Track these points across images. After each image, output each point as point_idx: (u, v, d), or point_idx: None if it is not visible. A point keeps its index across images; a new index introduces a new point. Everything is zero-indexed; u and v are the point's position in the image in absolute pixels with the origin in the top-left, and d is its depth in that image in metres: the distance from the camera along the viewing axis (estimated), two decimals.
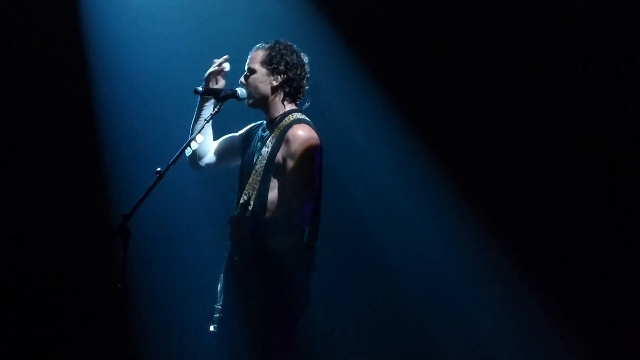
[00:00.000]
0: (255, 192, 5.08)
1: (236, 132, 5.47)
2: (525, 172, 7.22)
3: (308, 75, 5.28)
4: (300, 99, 5.26)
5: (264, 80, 5.21)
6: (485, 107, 7.28)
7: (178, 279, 7.39)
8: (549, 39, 7.19)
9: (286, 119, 5.15)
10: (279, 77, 5.20)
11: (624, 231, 7.06)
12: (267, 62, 5.21)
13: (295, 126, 5.09)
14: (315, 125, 5.16)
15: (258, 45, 5.29)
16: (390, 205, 7.49)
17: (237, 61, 5.43)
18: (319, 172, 5.06)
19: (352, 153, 7.43)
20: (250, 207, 5.07)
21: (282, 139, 5.08)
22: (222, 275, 5.21)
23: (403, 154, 7.43)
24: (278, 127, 5.14)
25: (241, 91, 5.35)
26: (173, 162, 5.12)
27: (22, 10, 7.43)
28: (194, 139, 5.19)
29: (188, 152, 5.19)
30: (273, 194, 5.05)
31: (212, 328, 5.18)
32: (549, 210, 7.19)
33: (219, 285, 5.22)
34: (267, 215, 5.03)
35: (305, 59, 5.28)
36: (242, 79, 5.28)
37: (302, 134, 5.05)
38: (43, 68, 7.48)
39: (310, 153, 5.03)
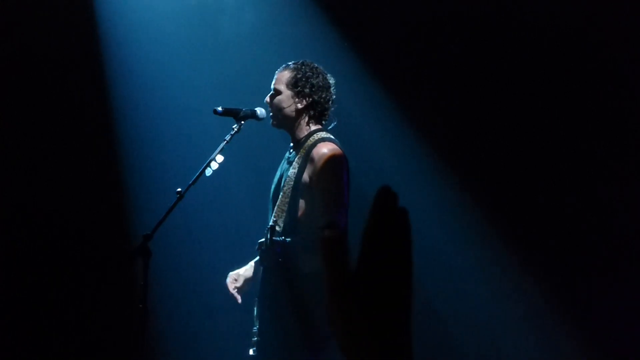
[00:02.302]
0: (284, 213, 5.05)
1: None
2: (546, 181, 7.19)
3: (334, 97, 5.25)
4: (325, 120, 5.24)
5: (289, 103, 5.16)
6: (512, 120, 7.26)
7: (199, 299, 7.36)
8: (554, 38, 7.17)
9: (311, 138, 5.10)
10: (304, 100, 5.14)
11: None
12: (293, 85, 5.15)
13: (319, 144, 5.04)
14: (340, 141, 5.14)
15: (284, 66, 5.26)
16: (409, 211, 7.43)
17: (263, 79, 5.41)
18: (345, 188, 4.99)
19: (373, 166, 7.40)
20: (279, 229, 5.04)
21: (307, 158, 5.04)
22: (257, 297, 5.17)
23: (422, 164, 7.41)
24: (303, 147, 5.09)
25: (260, 111, 5.33)
26: (193, 183, 5.12)
27: (36, 35, 7.47)
28: (214, 159, 5.17)
29: (208, 172, 5.17)
30: (301, 213, 5.01)
31: (251, 352, 5.13)
32: (569, 216, 7.15)
33: (255, 309, 5.18)
34: (296, 235, 4.99)
35: (332, 81, 5.24)
36: (267, 99, 5.25)
37: (327, 151, 4.99)
38: (63, 87, 7.51)
39: (336, 169, 4.97)
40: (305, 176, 5.02)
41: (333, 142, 5.07)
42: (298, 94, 5.15)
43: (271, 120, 5.25)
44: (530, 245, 7.14)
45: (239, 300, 5.27)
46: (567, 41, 7.11)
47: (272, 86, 5.23)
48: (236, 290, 5.28)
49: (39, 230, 7.43)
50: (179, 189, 5.08)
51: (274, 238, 4.95)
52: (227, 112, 5.31)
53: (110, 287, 7.31)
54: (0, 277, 7.32)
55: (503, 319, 7.19)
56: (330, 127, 5.24)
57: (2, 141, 7.40)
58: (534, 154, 7.17)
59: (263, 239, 5.02)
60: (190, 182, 5.12)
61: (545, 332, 7.11)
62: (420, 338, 7.25)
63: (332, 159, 4.98)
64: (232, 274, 5.35)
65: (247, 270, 5.31)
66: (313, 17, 7.37)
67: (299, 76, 5.16)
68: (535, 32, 7.16)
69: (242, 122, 5.29)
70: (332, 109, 5.23)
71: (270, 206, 5.18)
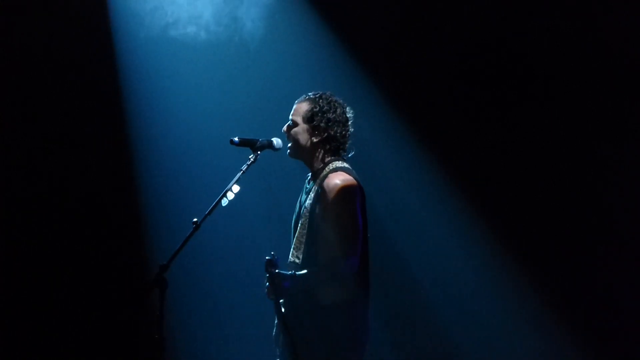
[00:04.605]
0: (302, 245, 5.04)
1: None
2: (546, 181, 7.21)
3: (351, 130, 5.23)
4: (343, 152, 5.21)
5: (305, 136, 5.17)
6: (513, 122, 7.29)
7: (215, 329, 7.36)
8: (553, 38, 7.21)
9: (326, 168, 5.10)
10: (320, 134, 5.15)
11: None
12: (309, 119, 5.16)
13: (330, 175, 5.03)
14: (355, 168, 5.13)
15: (302, 98, 5.26)
16: (409, 214, 7.46)
17: (281, 109, 5.41)
18: (358, 218, 4.96)
19: (373, 169, 7.41)
20: (298, 261, 5.03)
21: (320, 189, 5.04)
22: (275, 328, 5.16)
23: (422, 165, 7.43)
24: (320, 177, 5.11)
25: (277, 141, 5.32)
26: (210, 213, 5.11)
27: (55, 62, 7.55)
28: (230, 189, 5.17)
29: (224, 202, 5.17)
30: (318, 245, 5.00)
31: None
32: (568, 216, 7.15)
33: (275, 339, 5.17)
34: (310, 268, 4.96)
35: (350, 114, 5.23)
36: (284, 129, 5.26)
37: (337, 182, 4.98)
38: (84, 119, 7.57)
39: (347, 200, 4.95)
40: (319, 208, 5.00)
41: (346, 172, 5.05)
42: (314, 128, 5.15)
43: (288, 150, 5.26)
44: (530, 245, 7.16)
45: None
46: (566, 41, 7.14)
47: (290, 117, 5.24)
48: None
49: (57, 261, 7.46)
50: (195, 219, 5.08)
51: (279, 271, 4.91)
52: (243, 143, 5.31)
53: (127, 317, 7.31)
54: (19, 309, 7.36)
55: (502, 319, 7.18)
56: (348, 156, 5.24)
57: (32, 182, 7.47)
58: (533, 155, 7.20)
59: (267, 274, 4.96)
60: (206, 212, 5.11)
61: (544, 332, 7.09)
62: (419, 338, 7.24)
63: (342, 190, 4.96)
64: None
65: None
66: (330, 46, 7.43)
67: (315, 110, 5.16)
68: (535, 32, 7.20)
69: (259, 152, 5.28)
70: (350, 142, 5.22)
71: (292, 237, 5.19)
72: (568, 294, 7.10)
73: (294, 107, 5.26)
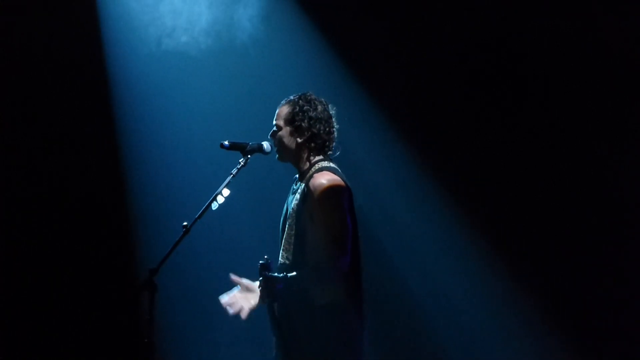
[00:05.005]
0: (291, 246, 5.05)
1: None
2: (539, 184, 7.21)
3: (335, 126, 5.24)
4: (329, 150, 5.22)
5: (289, 139, 5.17)
6: (509, 122, 7.28)
7: (205, 333, 7.37)
8: (550, 40, 7.20)
9: (312, 169, 5.11)
10: (304, 134, 5.16)
11: (626, 234, 7.01)
12: (290, 121, 5.17)
13: (316, 175, 5.03)
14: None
15: (283, 101, 5.27)
16: (394, 214, 7.47)
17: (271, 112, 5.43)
18: (347, 217, 4.95)
19: (362, 174, 7.41)
20: (288, 262, 5.04)
21: (307, 190, 5.04)
22: (272, 332, 5.18)
23: (415, 166, 7.43)
24: (306, 177, 5.11)
25: (267, 145, 5.33)
26: (200, 216, 5.13)
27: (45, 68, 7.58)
28: (220, 193, 5.19)
29: (214, 206, 5.18)
30: (308, 246, 5.00)
31: None
32: (560, 219, 7.15)
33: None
34: (303, 268, 4.97)
35: (332, 111, 5.24)
36: (270, 135, 5.28)
37: (323, 182, 4.97)
38: (73, 121, 7.60)
39: (334, 200, 4.95)
40: (306, 208, 5.01)
41: (331, 171, 5.04)
42: (297, 129, 5.16)
43: (277, 155, 5.28)
44: (528, 246, 7.16)
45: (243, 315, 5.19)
46: (566, 41, 7.13)
47: (274, 122, 5.26)
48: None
49: (45, 265, 7.48)
50: (185, 223, 5.09)
51: (272, 274, 4.93)
52: (233, 146, 5.32)
53: (116, 321, 7.33)
54: (6, 313, 7.39)
55: (495, 323, 7.18)
56: (334, 155, 5.25)
57: (22, 185, 7.51)
58: (532, 156, 7.20)
59: (261, 277, 4.98)
60: (196, 216, 5.13)
61: (537, 335, 7.09)
62: (412, 341, 7.25)
63: (329, 190, 4.95)
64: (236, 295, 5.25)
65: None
66: (326, 49, 7.44)
67: (296, 111, 5.16)
68: (535, 32, 7.19)
69: (249, 156, 5.30)
70: (335, 139, 5.23)
71: (280, 237, 5.20)
72: (566, 295, 7.10)
73: (277, 111, 5.27)
